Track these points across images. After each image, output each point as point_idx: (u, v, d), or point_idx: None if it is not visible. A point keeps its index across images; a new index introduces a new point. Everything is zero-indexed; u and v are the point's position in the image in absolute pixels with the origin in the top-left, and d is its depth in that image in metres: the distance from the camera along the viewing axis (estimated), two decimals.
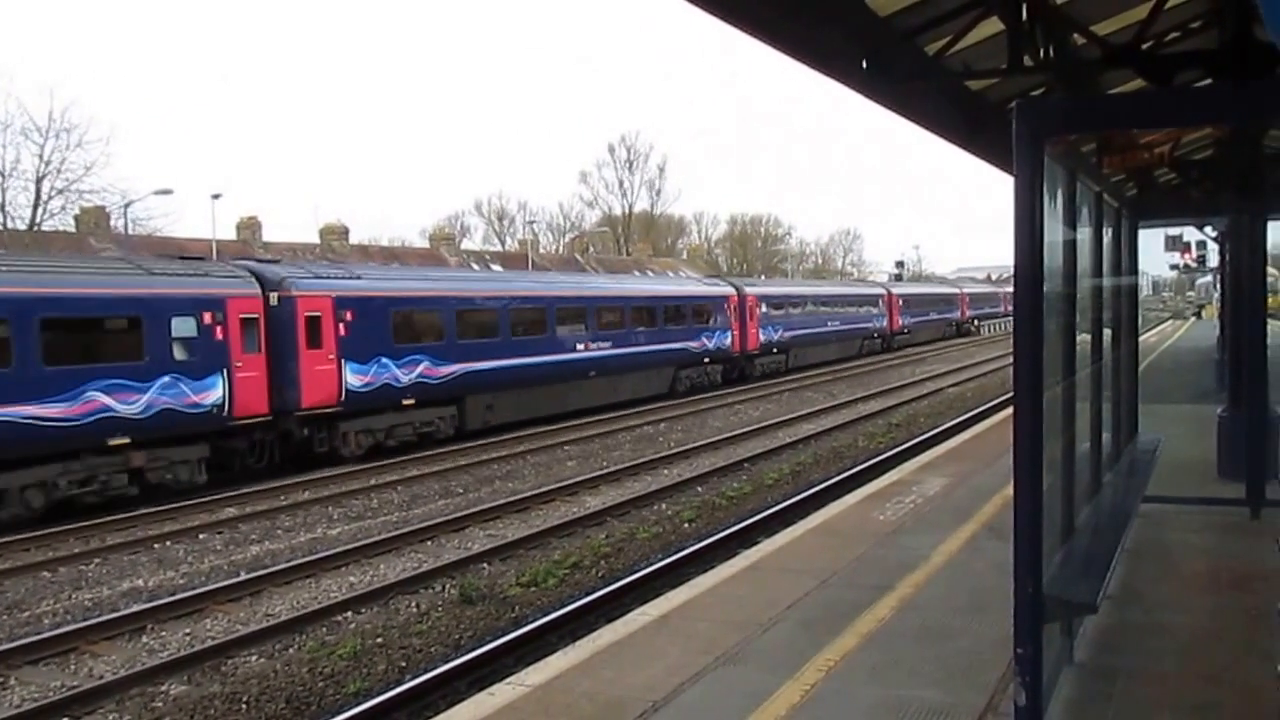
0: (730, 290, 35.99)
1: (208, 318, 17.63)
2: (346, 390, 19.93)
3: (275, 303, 18.96)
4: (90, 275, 16.92)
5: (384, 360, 20.77)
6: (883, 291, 54.37)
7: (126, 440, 16.24)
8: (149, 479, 16.67)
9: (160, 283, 17.31)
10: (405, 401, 21.31)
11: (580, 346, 27.00)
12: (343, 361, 19.86)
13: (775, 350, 39.12)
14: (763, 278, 69.68)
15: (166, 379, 16.84)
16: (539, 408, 25.05)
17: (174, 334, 17.12)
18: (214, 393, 17.59)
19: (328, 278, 20.88)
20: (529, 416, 24.62)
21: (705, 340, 33.48)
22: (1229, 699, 5.15)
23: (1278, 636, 4.93)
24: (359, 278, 21.98)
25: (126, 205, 40.18)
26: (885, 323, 52.21)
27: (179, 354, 17.18)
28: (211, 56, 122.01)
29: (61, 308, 15.74)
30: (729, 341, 34.91)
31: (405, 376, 21.27)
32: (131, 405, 16.34)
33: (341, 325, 19.97)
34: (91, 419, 15.80)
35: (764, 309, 37.95)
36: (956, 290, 73.01)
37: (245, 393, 18.06)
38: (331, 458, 19.75)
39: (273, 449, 19.10)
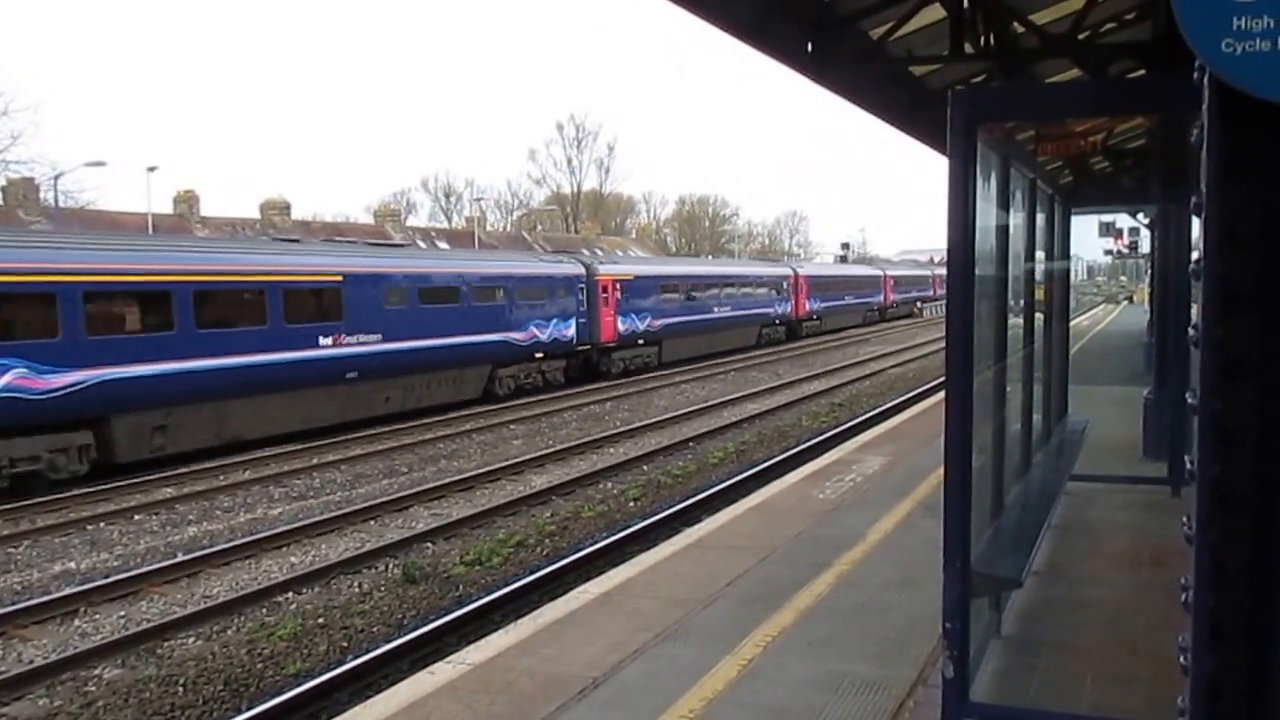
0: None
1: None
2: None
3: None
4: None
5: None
6: (575, 270, 29.95)
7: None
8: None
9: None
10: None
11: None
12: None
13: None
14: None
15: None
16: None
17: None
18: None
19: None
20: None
21: None
22: (1146, 669, 5.35)
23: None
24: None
25: (56, 177, 38.94)
26: (572, 330, 28.92)
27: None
28: (146, 28, 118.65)
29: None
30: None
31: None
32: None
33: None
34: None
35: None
36: (786, 272, 47.44)
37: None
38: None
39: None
